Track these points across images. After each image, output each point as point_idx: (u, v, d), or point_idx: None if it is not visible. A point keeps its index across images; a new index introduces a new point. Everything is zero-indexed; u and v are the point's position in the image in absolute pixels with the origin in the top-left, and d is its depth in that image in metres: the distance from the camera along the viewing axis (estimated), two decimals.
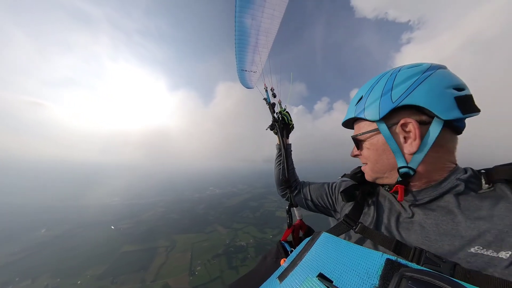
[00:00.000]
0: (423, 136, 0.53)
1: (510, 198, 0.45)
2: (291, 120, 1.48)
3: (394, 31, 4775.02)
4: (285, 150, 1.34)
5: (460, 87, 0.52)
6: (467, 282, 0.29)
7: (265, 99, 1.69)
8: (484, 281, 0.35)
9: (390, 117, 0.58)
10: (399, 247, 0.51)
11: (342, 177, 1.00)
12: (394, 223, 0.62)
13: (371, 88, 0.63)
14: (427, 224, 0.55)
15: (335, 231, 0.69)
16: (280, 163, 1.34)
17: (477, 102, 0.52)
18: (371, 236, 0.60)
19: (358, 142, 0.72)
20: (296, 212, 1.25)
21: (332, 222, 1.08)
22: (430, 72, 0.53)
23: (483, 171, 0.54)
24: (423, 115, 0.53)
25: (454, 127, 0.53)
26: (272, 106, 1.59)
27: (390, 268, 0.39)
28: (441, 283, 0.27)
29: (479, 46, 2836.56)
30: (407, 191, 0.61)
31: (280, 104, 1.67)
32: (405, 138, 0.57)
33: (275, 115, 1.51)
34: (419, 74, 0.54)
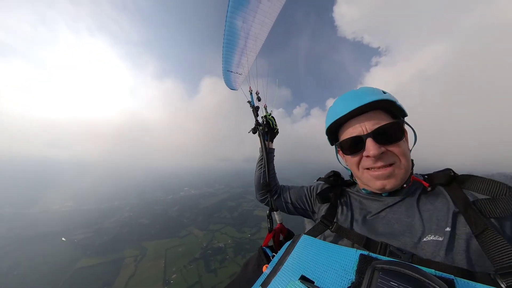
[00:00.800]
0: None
1: (445, 195, 0.60)
2: (275, 125, 1.48)
3: (366, 54, 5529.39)
4: (267, 155, 1.34)
5: None
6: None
7: (249, 102, 1.68)
8: (433, 265, 0.46)
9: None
10: (368, 243, 0.60)
11: (317, 180, 1.13)
12: (363, 221, 0.71)
13: (387, 92, 0.69)
14: (392, 219, 0.65)
15: (314, 232, 0.77)
16: (262, 167, 1.33)
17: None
18: (345, 234, 0.67)
19: (398, 132, 0.64)
20: (276, 216, 1.24)
21: (308, 223, 1.14)
22: None
23: (426, 176, 0.71)
24: None
25: None
26: (255, 109, 1.59)
27: (363, 263, 0.43)
28: (404, 270, 0.34)
29: (423, 79, 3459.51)
30: (396, 192, 0.69)
31: (266, 108, 1.68)
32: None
33: (259, 118, 1.51)
34: None
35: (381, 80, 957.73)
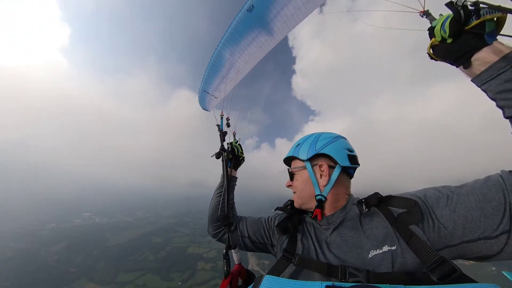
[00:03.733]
0: (331, 174, 0.88)
1: (380, 214, 0.75)
2: (242, 153, 1.49)
3: (307, 111, 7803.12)
4: (228, 182, 1.30)
5: (351, 150, 0.95)
6: (378, 283, 0.42)
7: (218, 125, 1.69)
8: (385, 277, 0.57)
9: (313, 159, 0.93)
10: (330, 270, 0.68)
11: (275, 210, 1.11)
12: (319, 247, 0.82)
13: (305, 140, 0.99)
14: (341, 241, 0.78)
15: (277, 269, 0.78)
16: (221, 195, 1.28)
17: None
18: (307, 266, 0.75)
19: (292, 175, 1.00)
20: (234, 255, 1.12)
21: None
22: (338, 138, 0.95)
23: (362, 199, 0.83)
24: (331, 162, 0.90)
25: (347, 172, 0.93)
26: (223, 134, 1.59)
27: None
28: None
29: None
30: (323, 216, 0.88)
31: (234, 135, 1.73)
32: (320, 174, 0.90)
33: (224, 143, 1.52)
34: (332, 137, 0.95)
35: (313, 131, 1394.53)
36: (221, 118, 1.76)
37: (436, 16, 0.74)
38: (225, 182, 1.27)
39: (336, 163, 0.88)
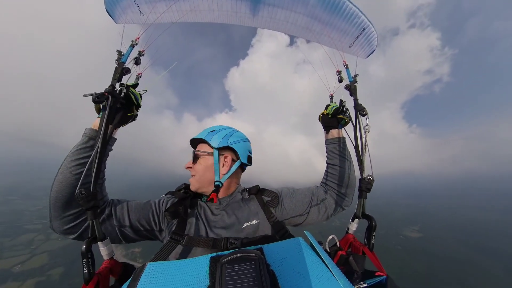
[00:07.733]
0: (231, 166, 1.11)
1: (255, 200, 1.12)
2: (139, 106, 1.06)
3: (225, 104, 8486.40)
4: (103, 145, 0.84)
5: (251, 152, 1.25)
6: (248, 246, 0.67)
7: (120, 52, 1.08)
8: (252, 241, 0.89)
9: (222, 150, 1.12)
10: (215, 243, 0.87)
11: (166, 194, 1.12)
12: (209, 226, 0.99)
13: (221, 130, 1.16)
14: (227, 220, 1.01)
15: (163, 254, 0.79)
16: (84, 164, 0.83)
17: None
18: (195, 244, 0.88)
19: (196, 157, 1.12)
20: (102, 249, 0.81)
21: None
22: (246, 140, 1.22)
23: (246, 189, 1.19)
24: (234, 156, 1.14)
25: (242, 168, 1.23)
26: (122, 69, 1.03)
27: (214, 264, 0.51)
28: (238, 254, 0.48)
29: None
30: (218, 199, 1.09)
31: (138, 78, 1.17)
32: (223, 164, 1.10)
33: (117, 83, 1.00)
34: (243, 138, 1.20)
35: (224, 123, 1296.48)
36: (132, 47, 1.13)
37: (335, 101, 1.50)
38: (100, 143, 0.80)
39: (238, 158, 1.14)
